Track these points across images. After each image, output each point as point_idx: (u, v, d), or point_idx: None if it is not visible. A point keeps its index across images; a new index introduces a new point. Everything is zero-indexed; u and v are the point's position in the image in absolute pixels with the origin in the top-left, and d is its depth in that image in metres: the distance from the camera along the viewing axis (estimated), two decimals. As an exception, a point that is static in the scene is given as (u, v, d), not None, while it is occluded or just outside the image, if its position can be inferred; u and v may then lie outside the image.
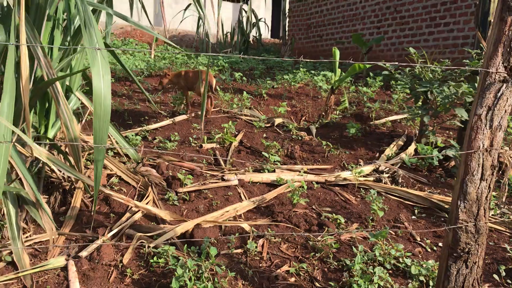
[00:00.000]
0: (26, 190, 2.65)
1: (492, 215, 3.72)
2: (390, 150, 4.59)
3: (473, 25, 8.42)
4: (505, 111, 2.05)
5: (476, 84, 4.28)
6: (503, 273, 2.93)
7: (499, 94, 2.02)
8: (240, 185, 3.80)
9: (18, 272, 2.53)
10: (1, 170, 2.09)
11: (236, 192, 3.70)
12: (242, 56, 1.84)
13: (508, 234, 3.48)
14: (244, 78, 7.94)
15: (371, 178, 4.08)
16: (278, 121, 5.46)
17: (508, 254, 3.12)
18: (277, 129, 5.36)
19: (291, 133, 5.17)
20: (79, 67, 3.36)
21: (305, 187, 3.58)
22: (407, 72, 4.66)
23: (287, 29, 12.95)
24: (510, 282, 2.88)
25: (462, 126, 4.59)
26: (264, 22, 15.32)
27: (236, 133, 5.04)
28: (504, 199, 3.91)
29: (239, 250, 2.92)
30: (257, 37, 14.17)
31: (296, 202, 3.44)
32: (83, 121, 3.73)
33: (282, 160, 4.44)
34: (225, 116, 5.55)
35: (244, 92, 6.21)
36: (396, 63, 5.01)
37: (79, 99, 3.45)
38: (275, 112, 5.91)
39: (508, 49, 1.99)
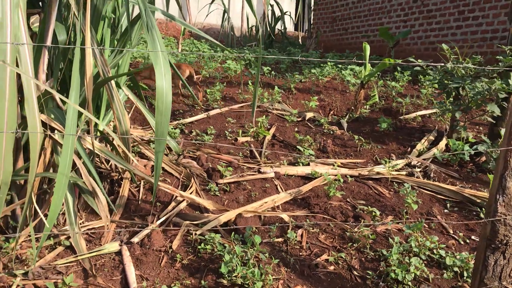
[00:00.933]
0: (83, 180, 2.84)
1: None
2: (421, 145, 4.67)
3: (502, 18, 8.36)
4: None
5: (509, 80, 4.33)
6: None
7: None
8: (276, 177, 3.95)
9: (77, 256, 2.73)
10: (68, 161, 2.27)
11: (272, 184, 3.85)
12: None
13: None
14: (272, 72, 8.06)
15: (404, 172, 4.18)
16: (309, 115, 5.58)
17: None
18: (308, 123, 5.48)
19: (323, 127, 5.28)
20: (125, 64, 3.54)
21: (341, 180, 3.71)
22: (439, 69, 4.72)
23: (312, 22, 12.99)
24: None
25: (494, 121, 4.64)
26: (289, 15, 15.38)
27: (269, 127, 5.17)
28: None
29: (279, 239, 3.07)
30: (282, 30, 14.24)
31: (332, 195, 3.57)
32: (129, 114, 3.92)
33: (315, 153, 4.56)
34: (257, 110, 5.69)
35: (276, 87, 6.34)
36: (428, 60, 5.09)
37: (125, 94, 3.64)
38: (305, 106, 6.03)
39: (549, 51, 2.08)
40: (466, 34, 10.11)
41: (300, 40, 14.68)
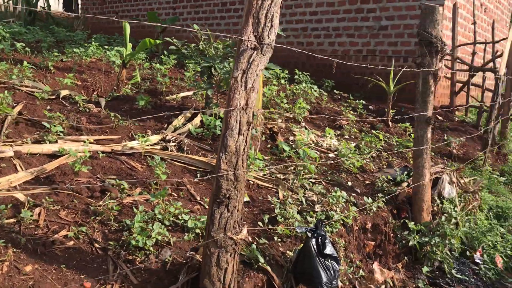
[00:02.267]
0: None
1: (263, 175, 4.26)
2: (177, 121, 4.82)
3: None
4: (257, 75, 2.40)
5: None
6: (266, 220, 3.42)
7: (251, 60, 2.34)
8: (17, 156, 3.55)
9: None
10: None
11: (11, 164, 3.44)
12: None
13: (274, 190, 4.04)
14: (27, 49, 7.25)
15: (158, 147, 4.25)
16: (64, 93, 5.19)
17: (272, 205, 3.64)
18: (64, 102, 5.10)
19: (78, 105, 4.99)
20: None
21: (88, 155, 3.54)
22: (192, 48, 4.94)
23: (80, 3, 12.22)
24: (271, 226, 3.38)
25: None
26: (54, -8, 14.13)
27: (15, 104, 4.63)
28: (272, 161, 4.52)
29: (11, 220, 2.76)
30: (45, 8, 13.02)
31: (78, 170, 3.38)
32: None
33: (67, 131, 4.27)
34: (1, 86, 5.03)
35: (25, 62, 5.71)
36: (185, 40, 5.30)
37: None
38: (61, 84, 5.60)
39: (257, 20, 2.33)
40: (229, 25, 10.89)
41: (68, 21, 13.65)
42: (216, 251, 2.47)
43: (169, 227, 3.06)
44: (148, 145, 4.16)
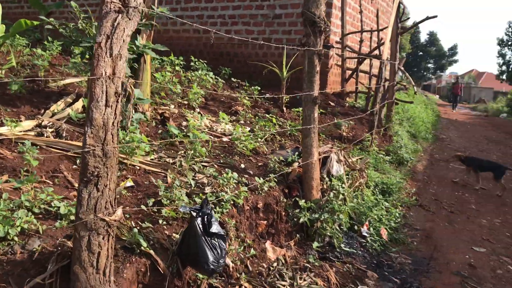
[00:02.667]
0: None
1: (152, 159, 4.08)
2: (56, 107, 4.46)
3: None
4: (124, 41, 2.23)
5: (136, 41, 4.57)
6: (150, 203, 3.26)
7: (116, 24, 2.17)
8: None
9: None
10: None
11: None
12: None
13: (163, 174, 3.88)
14: None
15: (32, 133, 3.88)
16: None
17: (159, 189, 3.48)
18: None
19: None
20: None
21: None
22: (71, 27, 4.59)
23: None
24: (155, 209, 3.22)
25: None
26: None
27: None
28: (161, 145, 4.35)
29: None
30: None
31: None
32: None
33: None
34: None
35: None
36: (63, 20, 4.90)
37: None
38: None
39: (121, -19, 2.15)
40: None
41: None
42: (86, 234, 2.27)
43: (40, 215, 2.79)
44: (20, 131, 3.78)
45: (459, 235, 5.45)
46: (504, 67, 38.15)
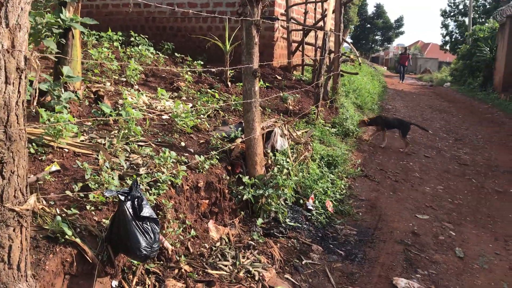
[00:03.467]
0: None
1: (82, 140, 3.82)
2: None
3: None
4: (22, 9, 1.97)
5: (61, 15, 4.22)
6: (78, 188, 3.03)
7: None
8: None
9: None
10: None
11: None
12: None
13: (94, 156, 3.64)
14: None
15: None
16: None
17: (85, 172, 3.24)
18: None
19: None
20: None
21: None
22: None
23: None
24: (82, 194, 3.01)
25: (56, 60, 4.50)
26: None
27: None
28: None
29: None
30: None
31: None
32: None
33: None
34: None
35: None
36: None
37: None
38: None
39: None
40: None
41: None
42: (-8, 227, 2.04)
43: None
44: None
45: (403, 203, 5.54)
46: (447, 38, 39.43)
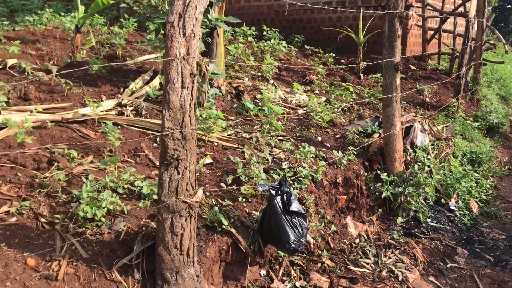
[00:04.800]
0: None
1: (228, 135, 4.06)
2: (134, 85, 4.54)
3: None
4: (196, 19, 2.15)
5: (209, 15, 4.50)
6: (230, 181, 3.24)
7: (187, 1, 2.09)
8: (-45, 131, 3.26)
9: None
10: None
11: None
12: None
13: (240, 150, 3.85)
14: (-26, 19, 6.78)
15: (113, 112, 3.99)
16: (11, 62, 4.83)
17: (237, 165, 3.45)
18: (12, 71, 4.75)
19: (27, 73, 4.65)
20: None
21: (31, 125, 3.27)
22: (144, 4, 4.61)
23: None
24: (235, 187, 3.20)
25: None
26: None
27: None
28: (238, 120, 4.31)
29: None
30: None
31: (21, 141, 3.11)
32: None
33: (14, 102, 3.96)
34: None
35: (-34, 32, 5.30)
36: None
37: None
38: (7, 54, 5.22)
39: (191, -44, 2.06)
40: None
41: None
42: (169, 216, 2.28)
43: (124, 195, 2.86)
44: (102, 111, 3.90)
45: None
46: None
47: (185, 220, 2.32)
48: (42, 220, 2.53)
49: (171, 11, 2.07)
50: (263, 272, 3.07)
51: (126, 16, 8.06)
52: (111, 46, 6.45)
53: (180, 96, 2.17)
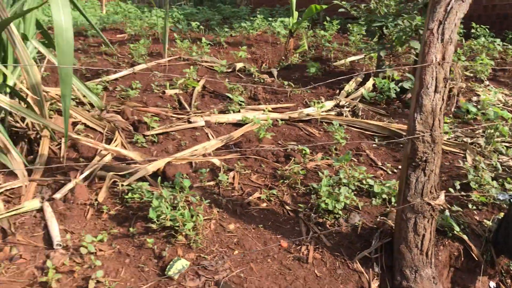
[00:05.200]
0: (-8, 137, 2.62)
1: (448, 139, 3.95)
2: (349, 86, 4.73)
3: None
4: (455, 25, 2.17)
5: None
6: (458, 187, 3.17)
7: (449, 8, 2.13)
8: (207, 126, 3.86)
9: (-7, 217, 2.54)
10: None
11: (203, 132, 3.76)
12: None
13: (462, 154, 3.72)
14: (201, 27, 7.83)
15: (333, 113, 4.23)
16: (239, 65, 5.48)
17: (462, 171, 3.36)
18: (239, 74, 5.39)
19: (253, 76, 5.22)
20: (32, 17, 3.25)
21: (270, 121, 3.68)
22: (362, 9, 4.75)
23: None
24: (464, 193, 3.12)
25: (417, 59, 4.76)
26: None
27: (198, 79, 5.04)
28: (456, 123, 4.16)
29: (211, 183, 3.02)
30: (211, -12, 13.85)
31: (262, 137, 3.54)
32: (42, 69, 3.65)
33: (246, 102, 4.50)
34: (185, 63, 5.52)
35: (203, 39, 6.16)
36: (352, 2, 5.12)
37: (35, 47, 3.36)
38: (235, 58, 5.92)
39: (457, -36, 2.09)
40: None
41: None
42: (413, 216, 2.36)
43: (354, 192, 3.04)
44: (323, 112, 4.17)
45: None
46: None
47: (428, 221, 2.37)
48: (287, 207, 2.85)
49: (431, 18, 2.14)
50: (492, 284, 2.94)
51: (328, 18, 8.38)
52: (316, 49, 6.79)
53: (432, 100, 2.23)
